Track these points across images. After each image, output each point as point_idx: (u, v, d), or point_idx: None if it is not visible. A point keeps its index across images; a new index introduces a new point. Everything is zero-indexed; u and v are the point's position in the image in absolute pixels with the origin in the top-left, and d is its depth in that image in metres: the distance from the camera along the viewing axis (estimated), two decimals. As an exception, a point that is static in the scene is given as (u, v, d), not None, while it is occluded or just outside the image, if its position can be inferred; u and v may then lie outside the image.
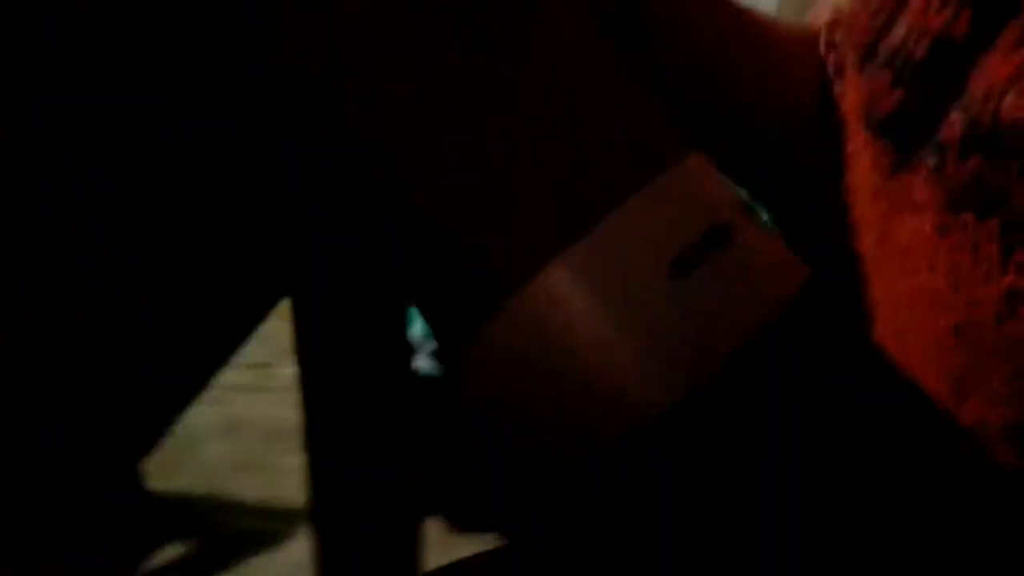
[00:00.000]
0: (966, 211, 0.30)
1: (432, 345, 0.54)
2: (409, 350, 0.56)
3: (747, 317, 0.22)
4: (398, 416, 0.63)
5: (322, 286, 0.56)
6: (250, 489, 1.57)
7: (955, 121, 0.31)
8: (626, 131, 0.24)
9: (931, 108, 0.32)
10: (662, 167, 0.23)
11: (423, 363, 0.53)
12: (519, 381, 0.23)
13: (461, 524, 1.31)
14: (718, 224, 0.23)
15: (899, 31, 0.35)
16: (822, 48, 0.42)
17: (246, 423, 1.70)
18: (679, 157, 0.24)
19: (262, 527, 1.51)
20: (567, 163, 0.23)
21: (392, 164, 0.24)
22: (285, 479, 1.52)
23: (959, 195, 0.31)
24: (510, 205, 0.23)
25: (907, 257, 0.27)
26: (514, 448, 0.24)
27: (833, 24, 0.42)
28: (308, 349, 0.60)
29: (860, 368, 0.26)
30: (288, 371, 0.70)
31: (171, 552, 1.46)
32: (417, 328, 0.58)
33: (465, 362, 0.24)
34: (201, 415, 1.68)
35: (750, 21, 0.43)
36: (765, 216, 0.40)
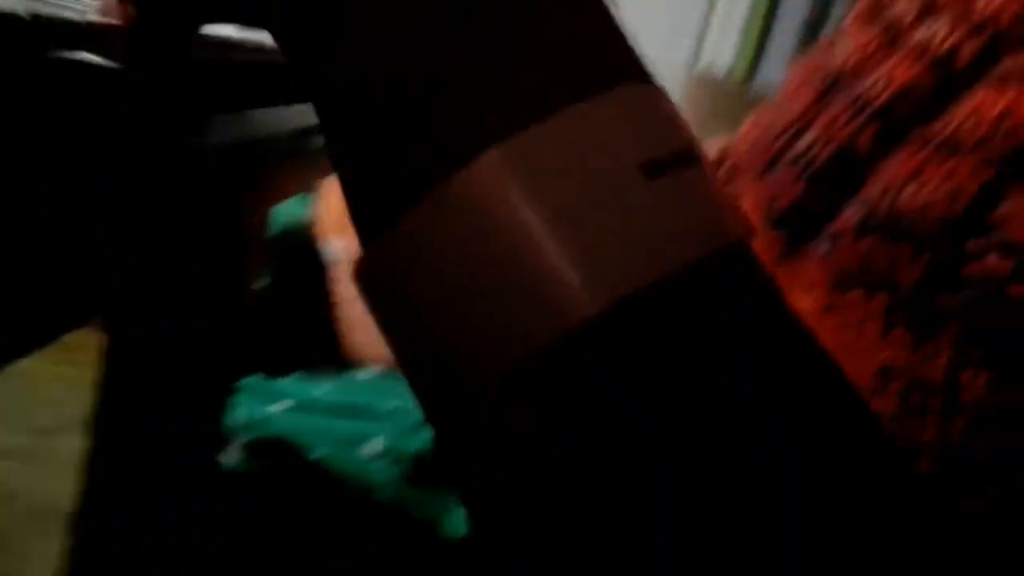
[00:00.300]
0: (855, 289, 0.30)
1: (245, 438, 0.50)
2: (219, 440, 0.52)
3: (710, 232, 0.21)
4: (188, 512, 0.58)
5: (138, 353, 0.52)
6: (-9, 569, 1.41)
7: (850, 215, 0.32)
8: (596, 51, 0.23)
9: (828, 205, 0.33)
10: (628, 81, 0.22)
11: (234, 455, 0.48)
12: (448, 264, 0.21)
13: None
14: (685, 147, 0.22)
15: (805, 141, 0.36)
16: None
17: (6, 494, 1.55)
18: (646, 80, 0.23)
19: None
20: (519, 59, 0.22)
21: (390, 161, 0.23)
22: (34, 564, 1.38)
23: (849, 274, 0.31)
24: (457, 88, 0.21)
25: None
26: (423, 355, 0.22)
27: (723, 154, 0.44)
28: (106, 419, 0.54)
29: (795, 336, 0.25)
30: (70, 443, 0.63)
31: None
32: (239, 415, 0.53)
33: (382, 250, 0.22)
34: (-43, 476, 1.53)
35: None
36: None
